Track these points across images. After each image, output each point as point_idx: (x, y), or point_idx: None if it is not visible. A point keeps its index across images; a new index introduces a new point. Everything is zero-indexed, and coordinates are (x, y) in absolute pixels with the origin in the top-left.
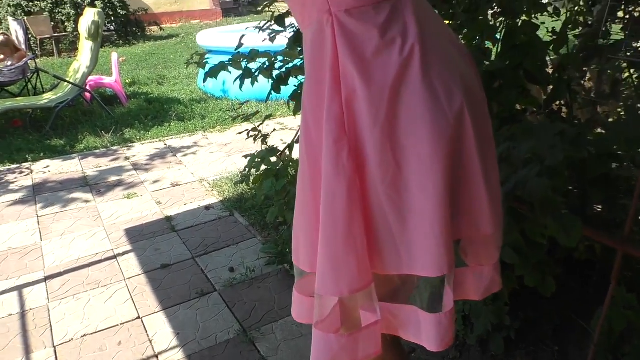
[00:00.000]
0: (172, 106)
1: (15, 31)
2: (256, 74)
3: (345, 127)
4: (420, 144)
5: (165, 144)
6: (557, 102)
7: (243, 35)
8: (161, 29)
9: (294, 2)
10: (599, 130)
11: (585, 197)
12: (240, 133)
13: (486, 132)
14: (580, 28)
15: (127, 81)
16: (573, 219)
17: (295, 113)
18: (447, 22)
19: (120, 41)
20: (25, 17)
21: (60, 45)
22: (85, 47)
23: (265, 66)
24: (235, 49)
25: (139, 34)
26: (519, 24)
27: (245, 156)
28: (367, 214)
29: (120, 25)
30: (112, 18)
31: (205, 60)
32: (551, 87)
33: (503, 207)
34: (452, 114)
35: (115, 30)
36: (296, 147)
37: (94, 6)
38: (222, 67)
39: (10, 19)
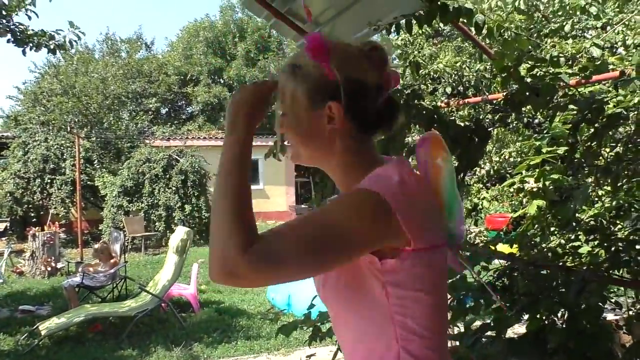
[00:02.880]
0: (240, 320)
1: (114, 241)
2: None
3: None
4: None
5: None
6: None
7: (314, 298)
8: None
9: None
10: None
11: None
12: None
13: None
14: None
15: (202, 287)
16: None
17: None
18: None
19: (202, 240)
20: (124, 217)
21: (148, 242)
22: (170, 260)
23: None
24: (308, 308)
25: None
26: (582, 308)
27: None
28: None
29: (203, 226)
30: (197, 220)
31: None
32: None
33: None
34: None
35: (198, 232)
36: None
37: (184, 209)
38: (294, 326)
39: (113, 231)
